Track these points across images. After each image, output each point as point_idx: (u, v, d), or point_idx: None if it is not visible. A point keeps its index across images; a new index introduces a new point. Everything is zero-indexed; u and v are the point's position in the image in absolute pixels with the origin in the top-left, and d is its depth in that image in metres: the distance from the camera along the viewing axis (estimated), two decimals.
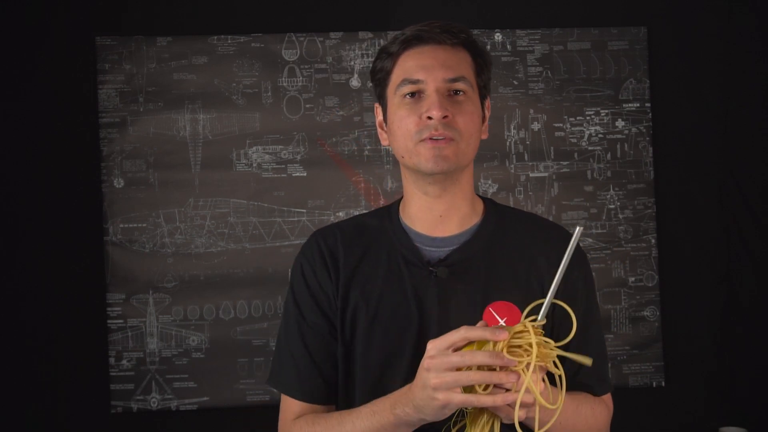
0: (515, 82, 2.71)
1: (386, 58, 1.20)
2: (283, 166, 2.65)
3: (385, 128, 1.25)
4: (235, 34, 2.64)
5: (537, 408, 1.01)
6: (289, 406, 1.24)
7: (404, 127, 1.17)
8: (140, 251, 2.60)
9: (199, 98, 2.63)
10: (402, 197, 1.28)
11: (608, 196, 2.72)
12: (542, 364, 0.99)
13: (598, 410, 1.22)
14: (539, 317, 1.02)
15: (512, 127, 2.71)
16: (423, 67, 1.16)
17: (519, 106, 2.71)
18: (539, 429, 1.02)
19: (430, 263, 1.20)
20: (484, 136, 1.23)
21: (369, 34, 2.67)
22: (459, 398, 0.98)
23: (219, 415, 2.60)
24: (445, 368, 0.98)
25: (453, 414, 1.06)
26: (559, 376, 1.02)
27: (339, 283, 1.21)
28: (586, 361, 1.04)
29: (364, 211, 1.35)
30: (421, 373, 1.01)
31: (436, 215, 1.22)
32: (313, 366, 1.22)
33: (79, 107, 2.60)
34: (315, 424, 1.18)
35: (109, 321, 2.58)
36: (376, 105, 1.26)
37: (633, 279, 2.72)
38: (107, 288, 2.59)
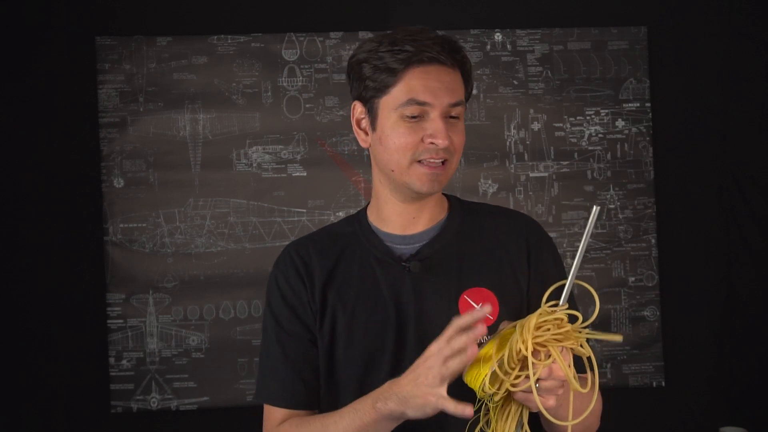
0: (515, 82, 2.71)
1: (384, 70, 1.16)
2: (283, 166, 2.65)
3: (363, 128, 1.23)
4: (235, 34, 2.64)
5: (571, 395, 1.02)
6: (272, 414, 1.25)
7: (401, 144, 1.16)
8: (140, 251, 2.60)
9: (199, 98, 2.63)
10: (368, 203, 1.30)
11: (608, 196, 2.72)
12: (573, 346, 1.01)
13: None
14: (561, 302, 1.04)
15: (512, 127, 2.71)
16: (430, 90, 1.15)
17: (519, 106, 2.71)
18: (575, 418, 1.04)
19: (402, 259, 1.22)
20: None
21: (369, 34, 2.66)
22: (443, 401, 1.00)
23: (219, 415, 2.60)
24: (441, 362, 1.01)
25: (478, 408, 1.08)
26: (588, 358, 1.03)
27: (314, 290, 1.23)
28: (617, 337, 1.05)
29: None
30: (418, 370, 1.03)
31: (409, 217, 1.24)
32: (293, 373, 1.23)
33: (79, 107, 2.60)
34: (299, 426, 1.19)
35: (109, 321, 2.58)
36: (357, 103, 1.23)
37: (633, 279, 2.72)
38: (107, 288, 2.59)
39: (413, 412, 1.03)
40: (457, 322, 1.01)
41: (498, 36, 2.71)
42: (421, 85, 1.15)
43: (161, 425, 2.61)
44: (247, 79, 2.65)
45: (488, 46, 2.71)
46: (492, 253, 1.23)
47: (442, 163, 1.16)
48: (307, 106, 2.66)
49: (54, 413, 2.55)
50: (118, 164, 2.61)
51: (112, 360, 2.58)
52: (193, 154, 2.63)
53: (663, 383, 2.72)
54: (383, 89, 1.17)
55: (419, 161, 1.16)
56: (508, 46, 2.71)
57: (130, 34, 2.62)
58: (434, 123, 1.15)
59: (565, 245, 2.67)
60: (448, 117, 1.17)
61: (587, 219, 1.05)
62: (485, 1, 2.74)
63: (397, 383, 1.06)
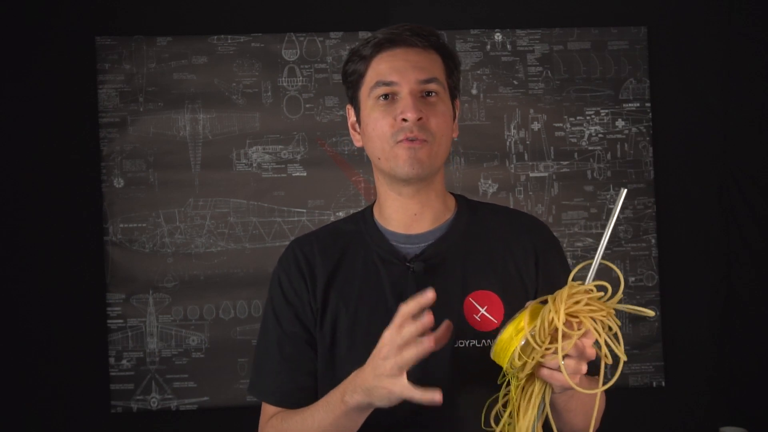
0: (515, 82, 2.71)
1: (358, 60, 1.22)
2: (283, 166, 2.65)
3: (357, 130, 1.26)
4: (235, 34, 2.64)
5: (602, 363, 1.01)
6: (266, 411, 1.26)
7: (379, 129, 1.18)
8: (140, 251, 2.60)
9: (199, 98, 2.63)
10: (375, 201, 1.30)
11: (608, 196, 2.72)
12: (604, 318, 1.00)
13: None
14: (586, 282, 1.04)
15: (512, 127, 2.71)
16: (396, 69, 1.18)
17: (519, 106, 2.71)
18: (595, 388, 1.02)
19: (406, 259, 1.22)
20: (455, 135, 1.25)
21: (369, 34, 2.66)
22: (401, 388, 0.99)
23: (219, 415, 2.60)
24: (395, 352, 0.99)
25: (501, 386, 1.08)
26: (615, 334, 1.02)
27: (317, 289, 1.23)
28: (649, 312, 1.05)
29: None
30: (375, 360, 1.02)
31: (410, 214, 1.24)
32: (289, 373, 1.23)
33: (79, 107, 2.60)
34: (284, 421, 1.20)
35: (109, 321, 2.58)
36: (348, 106, 1.28)
37: (633, 279, 2.72)
38: (107, 288, 2.59)
39: (380, 402, 1.03)
40: (404, 310, 1.00)
41: (498, 36, 2.72)
42: (387, 67, 1.18)
43: (161, 425, 2.61)
44: (247, 79, 2.65)
45: (488, 46, 2.71)
46: (497, 254, 1.23)
47: (422, 142, 1.16)
48: (307, 106, 2.66)
49: (54, 413, 2.55)
50: (118, 164, 2.61)
51: (112, 360, 2.58)
52: (193, 154, 2.63)
53: (663, 383, 2.72)
54: (359, 80, 1.22)
55: (399, 142, 1.17)
56: (508, 46, 2.72)
57: (130, 34, 2.62)
58: (403, 100, 1.17)
59: (565, 245, 2.67)
60: (422, 95, 1.18)
61: (615, 202, 1.05)
62: (485, 1, 2.74)
63: (361, 374, 1.05)
